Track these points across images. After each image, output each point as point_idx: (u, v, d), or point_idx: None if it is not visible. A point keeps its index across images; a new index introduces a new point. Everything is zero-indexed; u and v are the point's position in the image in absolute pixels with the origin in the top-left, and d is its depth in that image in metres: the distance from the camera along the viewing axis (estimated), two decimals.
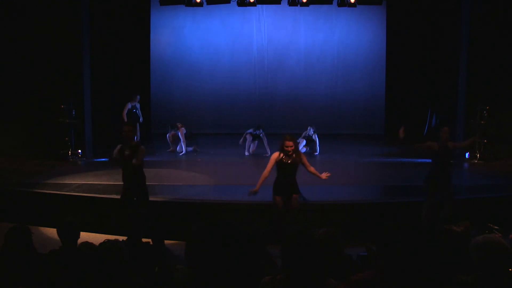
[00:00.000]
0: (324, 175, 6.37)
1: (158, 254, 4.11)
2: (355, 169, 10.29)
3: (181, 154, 11.54)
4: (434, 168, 6.84)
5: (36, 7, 10.63)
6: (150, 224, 4.17)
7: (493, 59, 10.62)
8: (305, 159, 6.34)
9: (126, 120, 11.45)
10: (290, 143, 6.07)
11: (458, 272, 2.90)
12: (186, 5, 11.59)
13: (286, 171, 6.19)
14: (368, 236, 4.43)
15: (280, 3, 11.71)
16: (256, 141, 11.46)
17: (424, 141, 7.13)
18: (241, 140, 11.39)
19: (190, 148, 11.78)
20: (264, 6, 14.15)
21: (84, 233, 4.23)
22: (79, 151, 10.85)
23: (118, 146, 6.32)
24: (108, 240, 3.17)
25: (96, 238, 5.98)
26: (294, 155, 6.14)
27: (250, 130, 11.38)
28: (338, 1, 11.56)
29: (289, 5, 11.62)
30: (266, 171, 6.27)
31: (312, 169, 6.37)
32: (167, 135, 11.89)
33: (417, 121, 13.56)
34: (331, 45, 15.23)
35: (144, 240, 5.89)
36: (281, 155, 6.15)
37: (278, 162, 6.18)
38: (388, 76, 14.91)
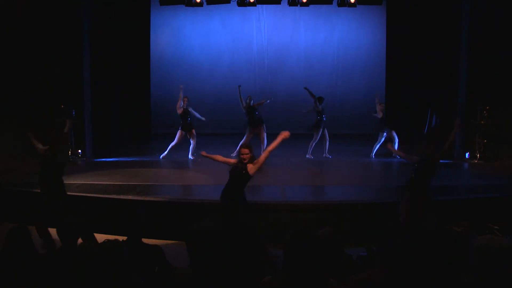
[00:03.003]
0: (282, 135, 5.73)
1: (155, 254, 4.10)
2: (355, 169, 10.28)
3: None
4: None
5: (36, 7, 10.63)
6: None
7: (493, 59, 10.62)
8: (257, 160, 5.79)
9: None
10: (246, 151, 5.79)
11: (458, 272, 2.90)
12: (186, 5, 11.58)
13: (237, 180, 5.85)
14: (368, 236, 4.43)
15: (280, 3, 11.70)
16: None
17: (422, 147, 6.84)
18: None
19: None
20: (264, 6, 14.15)
21: None
22: (79, 151, 10.85)
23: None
24: (108, 240, 3.17)
25: (96, 238, 5.99)
26: (248, 166, 5.74)
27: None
28: (338, 1, 11.55)
29: (289, 5, 11.61)
30: (219, 156, 6.06)
31: (263, 155, 5.83)
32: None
33: (417, 121, 13.56)
34: (331, 45, 15.24)
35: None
36: (237, 163, 5.87)
37: (231, 170, 5.89)
38: (388, 76, 14.92)
